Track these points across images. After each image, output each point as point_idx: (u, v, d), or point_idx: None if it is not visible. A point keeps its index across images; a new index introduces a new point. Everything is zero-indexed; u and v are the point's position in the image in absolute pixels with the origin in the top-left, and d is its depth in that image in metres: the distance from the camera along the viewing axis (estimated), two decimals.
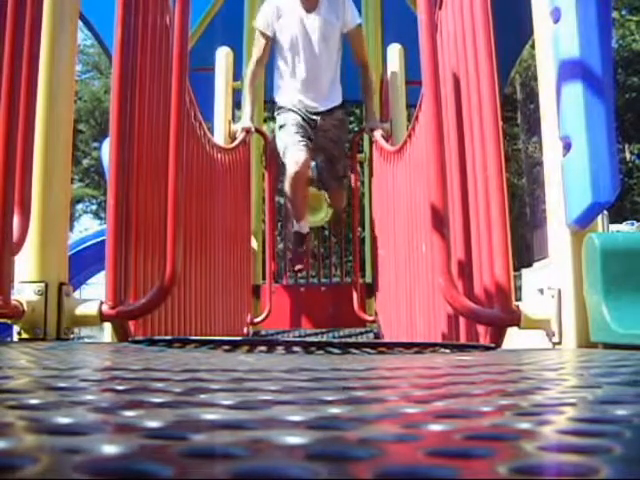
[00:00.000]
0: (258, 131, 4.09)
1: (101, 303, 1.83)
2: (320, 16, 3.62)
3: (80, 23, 2.25)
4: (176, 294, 2.24)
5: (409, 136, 2.94)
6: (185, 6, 1.93)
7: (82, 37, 15.10)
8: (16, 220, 1.64)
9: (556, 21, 1.72)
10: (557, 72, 1.71)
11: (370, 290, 4.37)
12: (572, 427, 0.46)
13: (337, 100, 3.71)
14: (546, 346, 1.75)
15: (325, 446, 0.39)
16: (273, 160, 4.13)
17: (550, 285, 1.75)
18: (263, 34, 3.67)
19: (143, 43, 2.01)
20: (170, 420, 0.46)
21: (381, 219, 3.95)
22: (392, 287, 3.48)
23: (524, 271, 7.34)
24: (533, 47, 2.08)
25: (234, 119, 4.02)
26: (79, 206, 22.35)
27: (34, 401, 0.53)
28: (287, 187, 3.57)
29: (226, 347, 1.64)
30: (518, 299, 1.85)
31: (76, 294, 3.42)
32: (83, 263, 5.77)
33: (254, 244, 4.37)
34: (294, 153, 3.50)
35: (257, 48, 3.72)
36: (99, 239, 5.45)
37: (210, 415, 0.49)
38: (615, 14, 17.58)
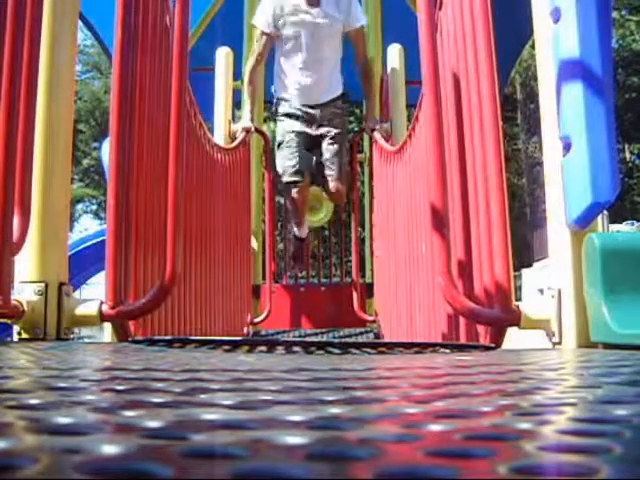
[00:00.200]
0: (258, 131, 4.09)
1: (101, 303, 1.83)
2: (323, 10, 3.62)
3: (80, 23, 2.25)
4: (176, 294, 2.24)
5: (409, 136, 2.94)
6: (185, 6, 1.93)
7: (82, 37, 15.08)
8: (16, 220, 1.64)
9: (556, 21, 1.72)
10: (557, 72, 1.71)
11: (370, 290, 4.37)
12: (572, 427, 0.46)
13: (337, 91, 3.72)
14: (546, 346, 1.75)
15: (325, 446, 0.39)
16: (273, 160, 4.13)
17: (550, 285, 1.75)
18: (262, 32, 3.67)
19: (143, 43, 2.01)
20: (170, 420, 0.46)
21: (381, 219, 3.95)
22: (392, 287, 3.48)
23: (524, 271, 7.33)
24: (533, 47, 2.08)
25: (234, 119, 4.02)
26: (79, 206, 22.33)
27: (34, 401, 0.53)
28: (288, 204, 3.76)
29: (226, 347, 1.64)
30: (518, 299, 1.85)
31: (76, 294, 3.41)
32: (83, 263, 5.76)
33: (254, 244, 4.36)
34: (292, 177, 3.59)
35: (256, 45, 3.73)
36: (99, 239, 5.45)
37: (210, 415, 0.49)
38: (615, 14, 17.56)
